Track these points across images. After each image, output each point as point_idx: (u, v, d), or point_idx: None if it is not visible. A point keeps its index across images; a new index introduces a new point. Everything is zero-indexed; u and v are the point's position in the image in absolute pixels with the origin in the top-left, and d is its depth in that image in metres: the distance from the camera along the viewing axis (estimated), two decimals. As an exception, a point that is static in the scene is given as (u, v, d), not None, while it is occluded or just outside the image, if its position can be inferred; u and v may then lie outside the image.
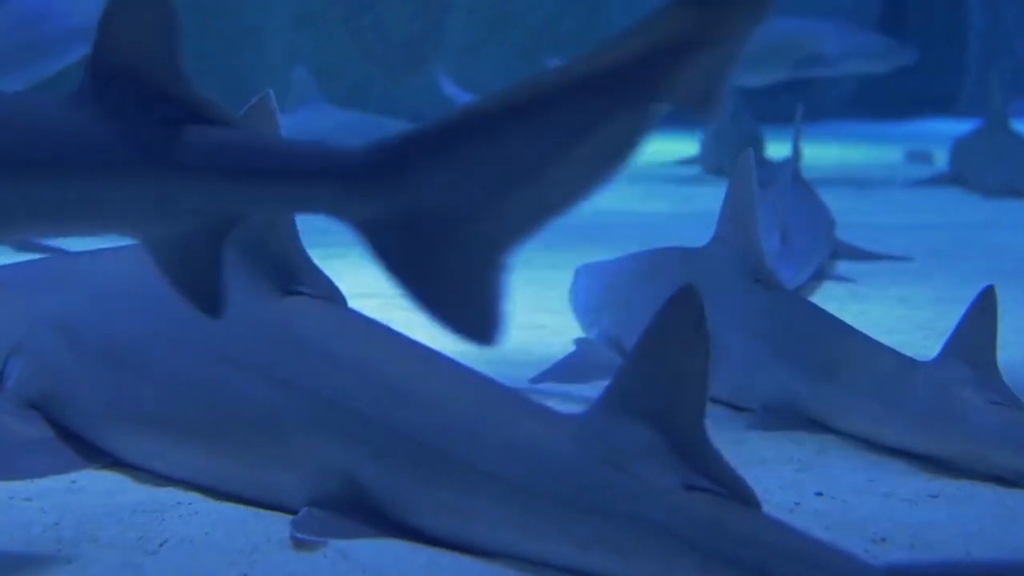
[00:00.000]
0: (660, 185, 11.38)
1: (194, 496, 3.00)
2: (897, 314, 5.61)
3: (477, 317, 1.94)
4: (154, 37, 2.16)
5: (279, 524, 2.82)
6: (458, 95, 11.65)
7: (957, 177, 10.83)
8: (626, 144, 1.82)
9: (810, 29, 11.21)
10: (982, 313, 3.43)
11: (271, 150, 2.17)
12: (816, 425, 3.74)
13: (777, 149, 10.13)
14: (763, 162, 9.23)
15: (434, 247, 1.95)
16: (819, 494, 3.18)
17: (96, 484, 3.09)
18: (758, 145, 10.48)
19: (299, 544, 2.72)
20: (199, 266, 2.22)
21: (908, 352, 3.72)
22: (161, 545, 2.74)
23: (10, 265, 3.72)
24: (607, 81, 1.78)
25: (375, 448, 2.78)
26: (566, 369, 4.34)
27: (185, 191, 2.16)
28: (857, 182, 11.31)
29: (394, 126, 12.87)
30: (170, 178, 2.16)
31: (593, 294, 4.71)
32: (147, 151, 2.16)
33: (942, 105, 18.46)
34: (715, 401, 3.88)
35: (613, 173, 1.85)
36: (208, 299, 2.24)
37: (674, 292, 2.51)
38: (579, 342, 4.81)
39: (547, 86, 1.84)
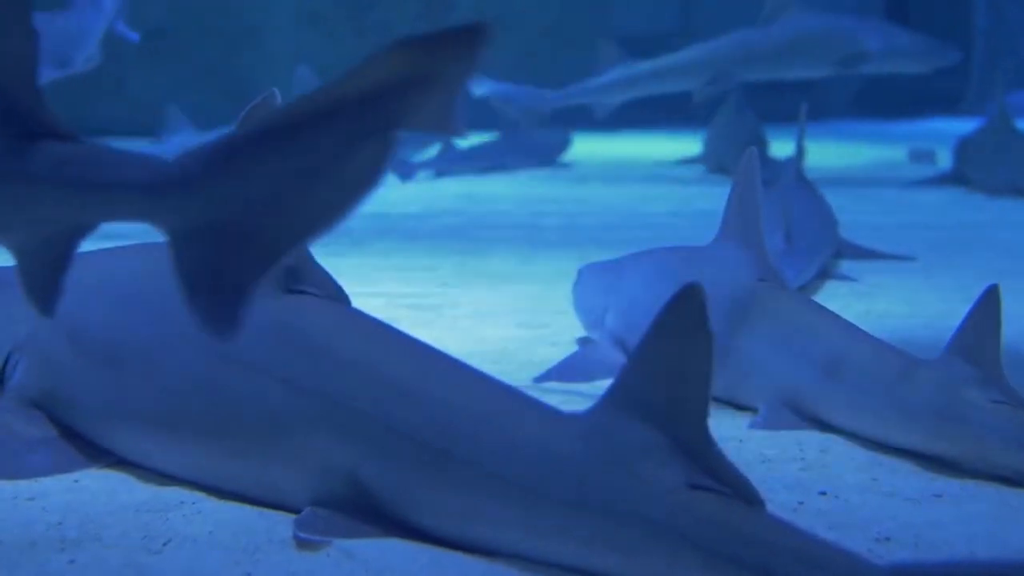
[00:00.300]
0: (663, 184, 11.39)
1: (197, 495, 3.00)
2: (900, 313, 5.60)
3: (225, 315, 2.19)
4: (17, 58, 2.31)
5: (282, 523, 2.82)
6: (495, 91, 11.47)
7: (960, 176, 10.83)
8: (376, 167, 2.02)
9: (853, 27, 11.20)
10: (986, 312, 3.42)
11: (105, 162, 2.31)
12: (819, 424, 3.74)
13: (780, 148, 10.13)
14: (766, 161, 9.24)
15: (211, 255, 2.17)
16: (823, 493, 3.18)
17: (99, 483, 3.10)
18: (761, 144, 10.49)
19: (302, 543, 2.72)
20: (48, 271, 2.38)
21: (911, 351, 3.71)
22: (165, 544, 2.75)
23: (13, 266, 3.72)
24: (355, 111, 2.01)
25: (378, 447, 2.78)
26: (569, 368, 4.34)
27: (37, 201, 2.32)
28: (860, 181, 11.31)
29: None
30: (26, 189, 2.32)
31: (596, 293, 4.71)
32: (7, 162, 2.31)
33: (945, 104, 18.46)
34: (718, 400, 3.88)
35: (367, 193, 2.04)
36: (48, 302, 2.41)
37: (677, 291, 2.51)
38: (582, 341, 4.82)
39: (304, 113, 2.05)
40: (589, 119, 12.04)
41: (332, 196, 2.06)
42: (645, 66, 11.29)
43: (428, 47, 1.93)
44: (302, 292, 3.02)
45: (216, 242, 2.15)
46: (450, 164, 11.90)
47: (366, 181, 2.03)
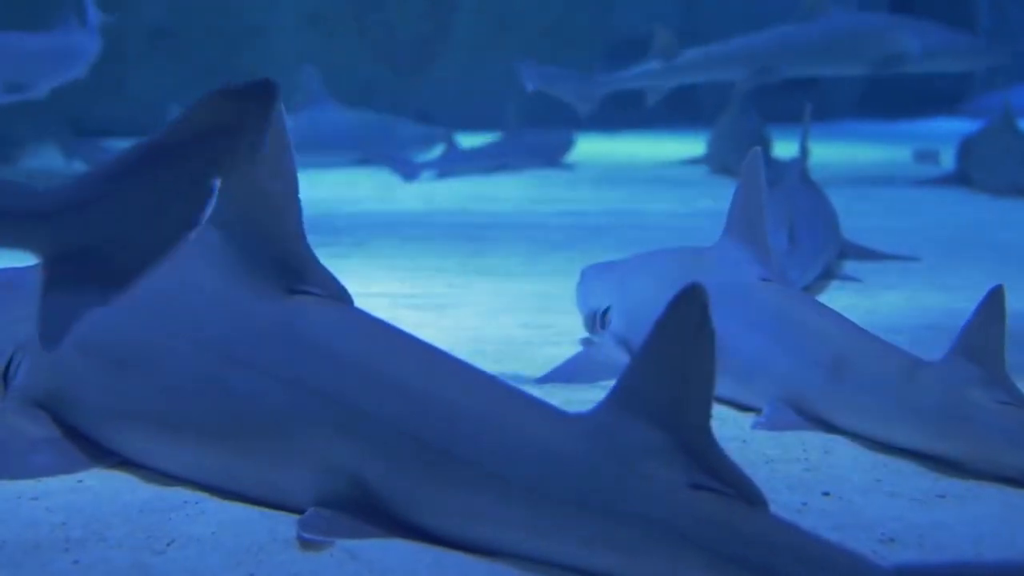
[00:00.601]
0: (666, 185, 11.39)
1: (201, 496, 3.00)
2: (904, 313, 5.60)
3: (64, 329, 2.48)
4: None
5: (286, 524, 2.82)
6: (542, 76, 11.29)
7: (964, 176, 10.82)
8: (201, 200, 2.32)
9: (892, 26, 11.17)
10: (990, 313, 3.42)
11: None
12: (823, 425, 3.73)
13: (784, 148, 10.13)
14: (770, 161, 9.23)
15: (72, 276, 2.42)
16: (826, 494, 3.18)
17: (103, 484, 3.10)
18: (765, 144, 10.48)
19: (306, 544, 2.72)
20: None
21: (915, 352, 3.71)
22: (168, 545, 2.75)
23: (19, 267, 3.72)
24: (182, 153, 2.32)
25: (381, 448, 2.78)
26: (572, 369, 4.34)
27: None
28: (864, 181, 11.30)
29: (400, 125, 12.89)
30: None
31: (600, 294, 4.71)
32: None
33: (949, 105, 18.43)
34: (722, 401, 3.87)
35: (197, 223, 2.33)
36: None
37: (679, 291, 2.51)
38: (585, 342, 4.81)
39: (143, 156, 2.36)
40: (592, 119, 12.01)
41: (168, 226, 2.35)
42: (695, 54, 11.29)
43: (229, 99, 2.27)
44: (305, 292, 3.02)
45: (78, 265, 2.40)
46: (454, 164, 11.90)
47: (195, 211, 2.33)
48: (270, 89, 2.29)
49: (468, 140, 12.46)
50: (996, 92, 15.68)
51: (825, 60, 11.24)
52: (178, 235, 2.34)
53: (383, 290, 5.96)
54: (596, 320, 4.59)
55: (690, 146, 13.12)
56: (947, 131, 14.10)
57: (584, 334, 4.84)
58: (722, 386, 2.78)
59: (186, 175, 2.31)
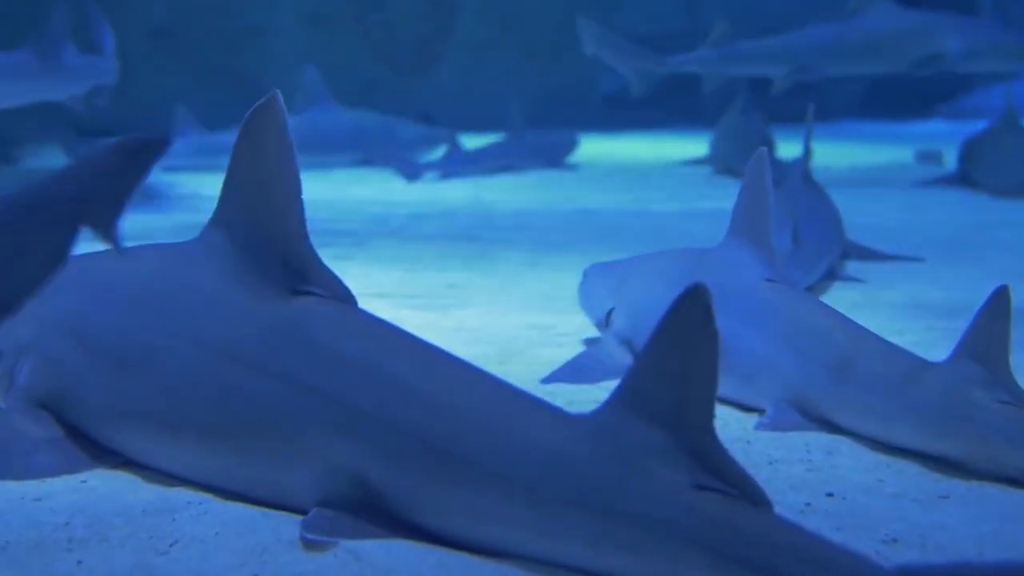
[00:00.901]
0: (670, 186, 11.38)
1: (204, 496, 3.00)
2: (908, 315, 5.59)
3: None
4: None
5: (289, 524, 2.82)
6: (604, 42, 10.95)
7: (966, 177, 10.80)
8: (63, 248, 2.43)
9: (932, 25, 11.09)
10: (994, 314, 3.42)
11: None
12: (827, 425, 3.73)
13: (787, 149, 10.12)
14: (774, 162, 9.18)
15: None
16: (830, 495, 3.18)
17: (106, 484, 3.10)
18: (768, 145, 10.43)
19: (309, 544, 2.72)
20: None
21: (919, 353, 3.71)
22: (171, 545, 2.75)
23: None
24: (53, 197, 2.44)
25: (384, 448, 2.78)
26: (576, 369, 4.34)
27: None
28: (867, 182, 11.29)
29: (402, 125, 12.89)
30: None
31: (603, 294, 4.70)
32: None
33: (951, 105, 18.41)
34: (725, 401, 3.87)
35: (59, 263, 2.44)
36: None
37: (682, 292, 2.51)
38: (588, 342, 4.81)
39: (24, 202, 2.45)
40: (594, 121, 12.00)
41: (32, 265, 2.44)
42: (747, 46, 11.27)
43: (117, 152, 2.37)
44: (309, 293, 3.02)
45: None
46: (457, 165, 11.89)
47: (57, 255, 2.44)
48: (159, 144, 2.38)
49: (470, 141, 12.46)
50: (978, 93, 15.67)
51: (874, 59, 11.18)
52: (42, 276, 2.44)
53: (385, 291, 5.96)
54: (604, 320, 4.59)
55: (692, 147, 13.12)
56: (949, 132, 14.08)
57: (588, 334, 4.84)
58: (725, 387, 2.78)
59: (54, 218, 2.43)
